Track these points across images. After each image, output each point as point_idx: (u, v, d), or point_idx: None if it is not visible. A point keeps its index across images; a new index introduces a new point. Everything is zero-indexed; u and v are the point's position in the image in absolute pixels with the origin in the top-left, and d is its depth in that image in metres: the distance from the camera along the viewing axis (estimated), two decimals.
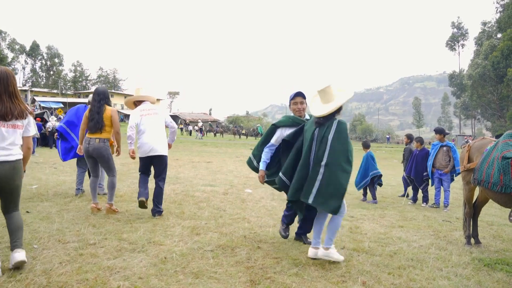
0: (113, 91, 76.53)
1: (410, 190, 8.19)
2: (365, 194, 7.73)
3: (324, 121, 3.57)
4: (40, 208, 5.26)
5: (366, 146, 8.00)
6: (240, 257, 3.68)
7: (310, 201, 3.51)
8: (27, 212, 5.02)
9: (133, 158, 5.18)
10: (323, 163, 3.48)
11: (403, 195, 8.31)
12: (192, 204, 6.11)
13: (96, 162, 5.29)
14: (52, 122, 18.73)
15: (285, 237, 4.22)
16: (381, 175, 7.63)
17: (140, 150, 5.09)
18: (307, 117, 4.11)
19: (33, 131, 3.33)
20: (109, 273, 3.10)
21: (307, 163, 3.60)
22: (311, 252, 3.72)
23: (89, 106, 5.40)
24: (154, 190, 5.16)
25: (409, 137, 8.51)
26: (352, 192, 8.60)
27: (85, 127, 5.27)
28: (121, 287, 2.86)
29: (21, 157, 3.16)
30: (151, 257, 3.52)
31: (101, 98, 5.20)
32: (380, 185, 7.89)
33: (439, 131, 7.33)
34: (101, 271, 3.13)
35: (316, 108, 3.66)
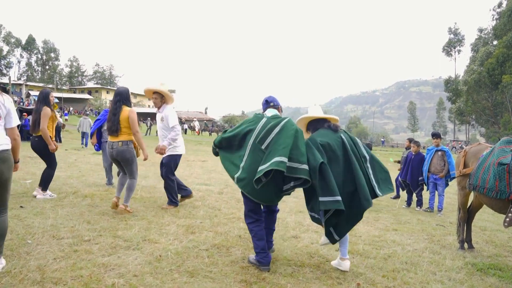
0: (108, 87, 76.20)
1: (403, 193, 8.24)
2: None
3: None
4: (34, 203, 5.21)
5: None
6: (235, 256, 3.68)
7: (380, 193, 3.50)
8: (21, 207, 4.98)
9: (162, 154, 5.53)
10: (367, 158, 3.59)
11: (396, 197, 8.61)
12: (187, 203, 6.08)
13: (122, 165, 5.17)
14: (60, 118, 19.81)
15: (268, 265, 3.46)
16: None
17: (179, 148, 5.70)
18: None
19: (16, 120, 3.09)
20: (103, 270, 3.08)
21: (357, 169, 3.42)
22: (347, 265, 3.53)
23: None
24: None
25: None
26: None
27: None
28: (116, 284, 2.85)
29: (8, 147, 2.92)
30: (146, 255, 3.51)
31: (118, 99, 5.00)
32: None
33: (437, 136, 7.38)
34: (95, 268, 3.12)
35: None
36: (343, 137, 3.55)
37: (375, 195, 3.46)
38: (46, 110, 5.59)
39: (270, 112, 3.67)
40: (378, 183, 3.54)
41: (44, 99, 5.69)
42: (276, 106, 3.77)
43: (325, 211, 3.37)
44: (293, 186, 3.37)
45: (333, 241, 3.50)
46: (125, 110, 4.98)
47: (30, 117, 19.44)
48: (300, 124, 3.83)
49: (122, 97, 5.03)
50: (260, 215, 3.59)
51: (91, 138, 7.44)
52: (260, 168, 3.24)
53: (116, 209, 5.00)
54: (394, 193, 8.79)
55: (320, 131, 3.58)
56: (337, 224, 3.43)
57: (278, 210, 3.93)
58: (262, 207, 3.65)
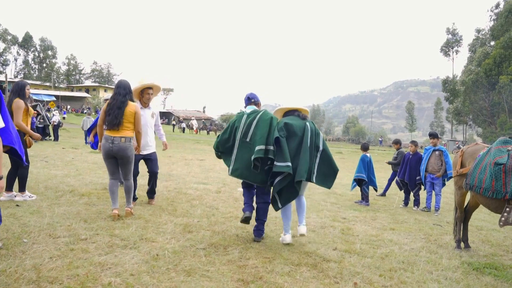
0: (106, 86, 76.05)
1: (400, 192, 8.25)
2: (363, 197, 7.67)
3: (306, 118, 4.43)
4: (30, 202, 5.19)
5: (362, 148, 8.04)
6: (233, 255, 3.68)
7: (313, 180, 4.17)
8: (17, 205, 4.96)
9: None
10: (320, 149, 4.24)
11: (382, 195, 8.90)
12: (184, 202, 6.08)
13: (117, 164, 4.76)
14: (57, 116, 20.18)
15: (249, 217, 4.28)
16: (363, 180, 7.48)
17: None
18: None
19: None
20: (100, 269, 3.07)
21: (306, 149, 4.13)
22: (288, 238, 4.21)
23: (109, 99, 4.78)
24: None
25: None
26: (345, 193, 8.64)
27: (102, 123, 4.72)
28: (113, 283, 2.84)
29: None
30: (143, 254, 3.50)
31: (127, 93, 4.67)
32: (376, 190, 8.05)
33: (434, 136, 7.39)
34: (92, 267, 3.11)
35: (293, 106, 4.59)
36: (308, 124, 4.27)
37: (310, 180, 4.16)
38: (18, 103, 5.16)
39: (250, 108, 4.49)
40: (318, 174, 4.21)
41: (18, 90, 5.27)
42: (256, 102, 4.58)
43: (275, 177, 4.10)
44: (270, 164, 4.15)
45: (276, 208, 4.21)
46: (131, 105, 4.70)
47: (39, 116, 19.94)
48: (279, 113, 4.60)
49: (128, 91, 4.71)
50: (252, 189, 4.42)
51: (89, 135, 7.28)
52: (252, 157, 4.06)
53: (119, 218, 4.67)
54: (381, 191, 8.97)
55: (290, 117, 4.39)
56: (281, 192, 4.13)
57: (270, 202, 4.40)
58: (255, 197, 4.43)
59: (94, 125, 7.20)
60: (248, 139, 4.21)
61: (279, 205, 4.18)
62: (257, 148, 4.05)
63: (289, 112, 4.49)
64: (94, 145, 7.27)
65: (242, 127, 4.27)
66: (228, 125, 4.45)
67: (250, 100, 4.58)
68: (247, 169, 4.13)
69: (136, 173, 5.52)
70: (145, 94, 5.39)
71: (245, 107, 4.58)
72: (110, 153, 4.62)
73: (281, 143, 4.04)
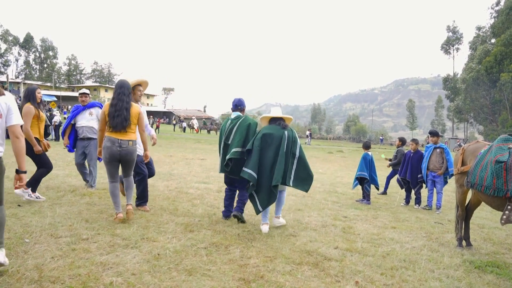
0: (107, 85, 76.14)
1: (402, 190, 8.24)
2: (364, 196, 7.65)
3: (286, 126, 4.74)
4: (32, 202, 5.20)
5: (364, 146, 8.02)
6: (234, 255, 3.68)
7: (290, 184, 4.57)
8: (19, 205, 4.97)
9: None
10: (297, 156, 4.62)
11: (383, 193, 8.85)
12: (185, 201, 6.09)
13: (118, 166, 4.63)
14: (58, 116, 20.27)
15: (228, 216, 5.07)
16: (365, 179, 7.48)
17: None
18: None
19: (17, 118, 2.91)
20: (101, 269, 3.08)
21: (282, 156, 4.53)
22: (265, 228, 4.62)
23: (111, 100, 4.55)
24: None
25: (402, 140, 8.99)
26: (346, 192, 8.63)
27: (105, 127, 4.56)
28: (114, 283, 2.84)
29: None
30: (144, 253, 3.51)
31: (129, 93, 4.54)
32: (377, 188, 7.96)
33: (434, 134, 7.38)
34: (93, 266, 3.11)
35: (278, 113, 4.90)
36: (287, 134, 4.61)
37: (286, 184, 4.54)
38: (28, 108, 5.10)
39: (234, 114, 5.00)
40: (296, 178, 4.59)
41: (29, 95, 5.23)
42: (242, 109, 5.07)
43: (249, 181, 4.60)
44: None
45: (257, 211, 4.59)
46: (135, 105, 4.60)
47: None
48: (264, 120, 4.94)
49: (130, 91, 4.59)
50: (234, 187, 5.09)
51: (63, 137, 6.62)
52: (227, 157, 4.71)
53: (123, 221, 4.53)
54: (382, 189, 8.90)
55: (271, 126, 4.74)
56: (260, 192, 4.56)
57: (248, 198, 4.95)
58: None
59: (67, 125, 6.57)
60: (229, 142, 4.83)
61: (260, 208, 4.56)
62: (234, 149, 4.65)
63: (273, 120, 4.83)
64: (71, 148, 6.63)
65: (226, 131, 4.90)
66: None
67: (237, 107, 5.04)
68: (225, 167, 4.82)
69: (151, 173, 5.47)
70: (137, 91, 5.17)
71: (232, 112, 5.04)
72: (117, 157, 4.47)
73: (253, 153, 4.54)
